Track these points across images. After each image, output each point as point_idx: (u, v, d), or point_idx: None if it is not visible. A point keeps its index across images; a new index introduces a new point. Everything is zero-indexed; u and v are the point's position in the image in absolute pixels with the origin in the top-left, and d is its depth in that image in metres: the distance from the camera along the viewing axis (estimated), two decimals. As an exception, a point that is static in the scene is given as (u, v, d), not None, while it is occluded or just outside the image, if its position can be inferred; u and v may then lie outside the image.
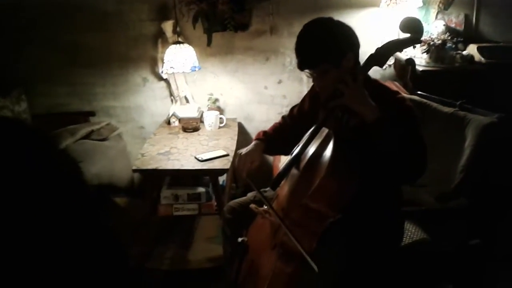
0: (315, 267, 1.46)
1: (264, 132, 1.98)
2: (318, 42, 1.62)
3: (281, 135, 1.97)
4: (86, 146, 2.79)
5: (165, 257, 2.62)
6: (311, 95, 1.94)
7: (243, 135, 3.23)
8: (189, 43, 2.94)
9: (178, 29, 2.91)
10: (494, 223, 2.25)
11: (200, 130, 2.97)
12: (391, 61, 3.06)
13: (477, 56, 2.70)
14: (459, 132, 2.20)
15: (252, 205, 1.83)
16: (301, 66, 1.66)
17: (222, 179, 3.03)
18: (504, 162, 2.13)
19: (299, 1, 2.98)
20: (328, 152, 1.62)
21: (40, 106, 3.19)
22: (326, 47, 1.61)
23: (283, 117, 2.08)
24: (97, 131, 2.93)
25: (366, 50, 1.65)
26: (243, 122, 3.26)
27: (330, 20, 1.68)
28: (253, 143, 1.93)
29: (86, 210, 0.56)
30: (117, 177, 2.92)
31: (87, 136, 2.87)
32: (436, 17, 2.98)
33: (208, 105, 3.19)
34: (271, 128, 2.03)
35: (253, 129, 3.27)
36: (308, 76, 1.71)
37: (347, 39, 1.65)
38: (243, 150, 1.89)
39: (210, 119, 2.96)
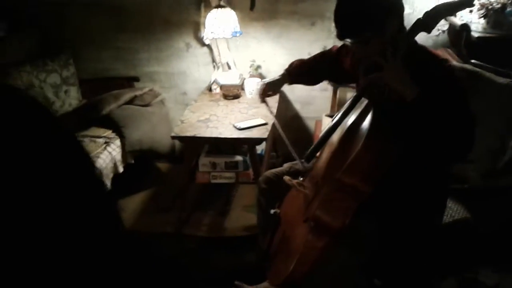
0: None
1: (298, 64, 2.07)
2: (359, 8, 1.50)
3: (317, 67, 2.04)
4: (129, 112, 2.83)
5: (202, 223, 2.66)
6: (353, 58, 1.84)
7: (285, 103, 3.17)
8: (232, 7, 2.87)
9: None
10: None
11: (240, 98, 2.93)
12: (445, 26, 2.86)
13: (542, 22, 2.46)
14: (513, 104, 2.03)
15: (286, 177, 1.81)
16: (341, 35, 1.55)
17: (261, 148, 3.01)
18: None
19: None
20: (366, 124, 1.57)
21: (87, 70, 3.26)
22: (367, 13, 1.49)
23: (331, 49, 2.05)
24: (140, 96, 2.97)
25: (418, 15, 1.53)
26: (285, 90, 3.18)
27: None
28: (281, 74, 2.06)
29: (87, 188, 0.54)
30: (159, 143, 2.96)
31: (131, 102, 2.90)
32: (498, -22, 2.72)
33: (250, 72, 3.14)
34: (310, 59, 2.09)
35: (296, 97, 3.21)
36: (350, 45, 1.61)
37: (390, 4, 1.52)
38: (268, 79, 2.07)
39: (251, 86, 2.92)
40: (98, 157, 2.50)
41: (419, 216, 1.65)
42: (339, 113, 1.69)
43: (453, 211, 1.86)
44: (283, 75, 2.05)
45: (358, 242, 1.59)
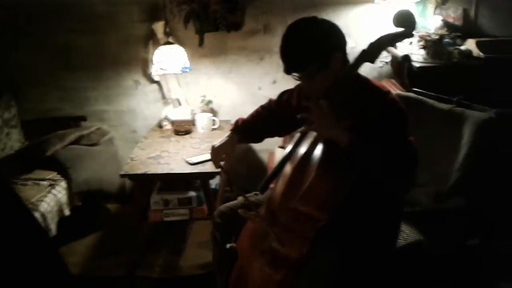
0: None
1: (242, 122, 1.95)
2: (303, 44, 1.53)
3: (262, 122, 1.96)
4: (75, 152, 2.72)
5: (156, 264, 2.55)
6: (301, 91, 1.86)
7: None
8: (181, 44, 2.89)
9: (168, 29, 2.84)
10: (492, 222, 2.16)
11: (192, 133, 2.90)
12: (388, 58, 2.99)
13: (476, 51, 2.62)
14: (457, 129, 2.12)
15: (241, 210, 1.77)
16: (288, 70, 1.56)
17: (215, 182, 2.97)
18: (504, 159, 2.05)
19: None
20: (318, 153, 1.56)
21: (30, 111, 3.15)
22: (311, 48, 1.52)
23: (269, 101, 2.02)
24: (87, 136, 2.87)
25: (362, 48, 1.57)
26: (238, 124, 3.18)
27: (314, 19, 1.59)
28: (227, 134, 1.92)
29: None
30: (108, 182, 2.86)
31: (77, 142, 2.80)
32: (433, 12, 2.90)
33: (201, 107, 3.13)
34: (252, 114, 1.99)
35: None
36: (296, 79, 1.62)
37: (333, 38, 1.56)
38: (217, 143, 1.90)
39: (203, 121, 2.90)
40: (41, 200, 2.37)
41: (376, 241, 1.65)
42: (291, 143, 1.69)
43: (407, 234, 1.88)
44: (231, 135, 1.93)
45: (318, 271, 1.56)
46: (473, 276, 2.23)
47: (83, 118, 3.19)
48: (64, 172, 2.60)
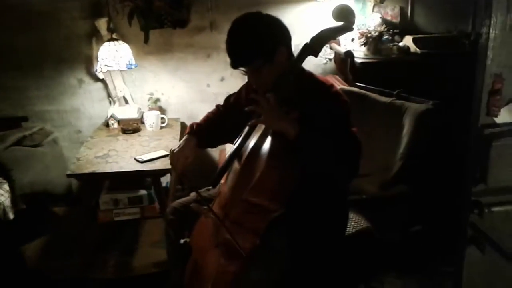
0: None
1: (197, 125, 1.90)
2: (249, 38, 1.56)
3: (215, 126, 1.92)
4: (18, 153, 2.61)
5: (109, 265, 2.50)
6: (248, 87, 1.89)
7: (186, 134, 3.15)
8: (126, 41, 2.84)
9: (111, 26, 2.78)
10: (434, 209, 2.29)
11: (141, 131, 2.87)
12: (331, 55, 3.09)
13: (413, 47, 2.76)
14: (397, 120, 2.23)
15: (193, 205, 1.78)
16: (234, 64, 1.59)
17: (166, 180, 2.95)
18: (442, 147, 2.18)
19: (238, -4, 2.94)
20: (267, 145, 1.59)
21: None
22: (257, 42, 1.55)
23: (217, 106, 2.03)
24: (29, 136, 2.76)
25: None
26: (186, 122, 3.18)
27: (259, 14, 1.63)
28: (184, 138, 1.86)
29: None
30: (54, 184, 2.76)
31: (19, 143, 2.69)
32: (372, 10, 3.02)
33: (149, 105, 3.09)
34: (204, 119, 1.96)
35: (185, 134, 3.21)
36: (243, 74, 1.65)
37: (278, 33, 1.60)
38: (176, 147, 1.81)
39: (151, 119, 2.87)
40: (-17, 204, 2.26)
41: (325, 229, 1.71)
42: (240, 137, 1.72)
43: (355, 222, 1.96)
44: (188, 138, 1.85)
45: (269, 260, 1.60)
46: (418, 261, 2.35)
47: (25, 119, 3.06)
48: (7, 174, 2.50)
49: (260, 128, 1.69)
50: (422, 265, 2.38)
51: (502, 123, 1.18)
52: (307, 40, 1.63)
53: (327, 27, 1.64)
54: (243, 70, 1.61)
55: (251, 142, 1.69)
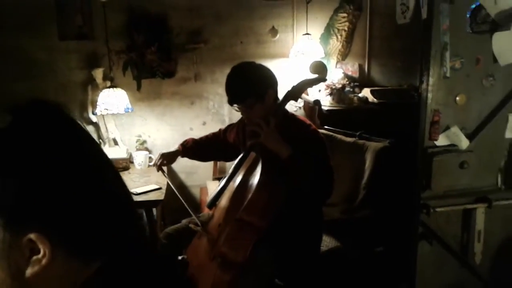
0: None
1: (191, 140, 2.40)
2: (244, 80, 1.93)
3: (206, 143, 2.40)
4: None
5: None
6: (239, 128, 2.23)
7: (171, 173, 3.43)
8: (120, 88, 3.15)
9: (111, 74, 3.11)
10: (393, 232, 2.63)
11: (130, 169, 3.13)
12: (301, 104, 3.52)
13: (371, 97, 3.21)
14: (360, 156, 2.62)
15: (191, 225, 2.05)
16: (231, 101, 1.94)
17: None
18: (398, 177, 2.56)
19: (220, 52, 3.35)
20: (257, 171, 1.89)
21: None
22: (251, 84, 1.92)
23: (219, 130, 2.43)
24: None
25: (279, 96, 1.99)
26: (170, 162, 3.46)
27: (253, 62, 2.02)
28: (176, 147, 2.37)
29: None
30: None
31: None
32: (336, 66, 3.51)
33: (136, 146, 3.37)
34: (203, 137, 2.44)
35: (181, 168, 3.49)
36: (237, 110, 2.00)
37: (268, 78, 1.98)
38: (164, 151, 2.35)
39: (140, 158, 3.14)
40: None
41: (304, 244, 2.02)
42: (232, 167, 2.03)
43: (327, 242, 2.28)
44: (177, 149, 2.36)
45: (258, 269, 1.86)
46: (381, 279, 2.65)
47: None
48: None
49: (250, 159, 2.02)
50: (384, 282, 2.66)
51: (440, 145, 1.59)
52: (281, 90, 2.00)
53: (306, 78, 2.03)
54: (237, 107, 1.95)
55: (242, 171, 2.01)
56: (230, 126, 2.38)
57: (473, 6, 1.67)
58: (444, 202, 1.73)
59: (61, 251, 0.56)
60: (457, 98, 1.76)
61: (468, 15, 1.70)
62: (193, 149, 2.38)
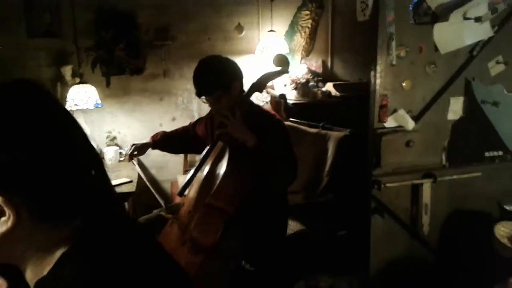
0: None
1: (162, 132, 2.47)
2: (212, 73, 2.00)
3: (176, 135, 2.47)
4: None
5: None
6: (207, 120, 2.32)
7: (142, 169, 3.50)
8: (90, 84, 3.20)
9: (80, 71, 3.16)
10: (355, 216, 2.78)
11: (101, 165, 3.18)
12: (267, 98, 3.65)
13: (333, 91, 3.37)
14: (323, 146, 2.77)
15: (162, 213, 2.14)
16: (199, 94, 2.01)
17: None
18: (358, 163, 2.72)
19: (188, 49, 3.44)
20: (225, 159, 1.98)
21: None
22: (218, 77, 1.99)
23: (190, 123, 2.51)
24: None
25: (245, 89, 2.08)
26: (140, 157, 3.53)
27: (219, 56, 2.10)
28: (147, 140, 2.44)
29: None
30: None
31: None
32: (300, 62, 3.65)
33: (106, 142, 3.43)
34: (173, 130, 2.51)
35: (151, 163, 3.56)
36: (204, 102, 2.06)
37: (234, 70, 2.05)
38: (136, 143, 2.41)
39: (110, 153, 3.20)
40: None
41: (271, 229, 2.13)
42: (201, 156, 2.12)
43: (293, 226, 2.41)
44: (148, 142, 2.42)
45: (227, 252, 1.96)
46: (343, 260, 2.79)
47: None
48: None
49: (218, 148, 2.11)
50: (349, 266, 2.81)
51: (388, 126, 1.74)
52: (247, 84, 2.09)
53: (269, 71, 2.14)
54: (206, 99, 2.03)
55: (211, 159, 2.10)
56: (200, 119, 2.47)
57: (415, -1, 1.85)
58: (394, 179, 1.90)
59: (26, 213, 0.60)
60: (403, 84, 1.93)
61: (411, 8, 1.87)
62: (163, 141, 2.44)
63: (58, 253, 0.63)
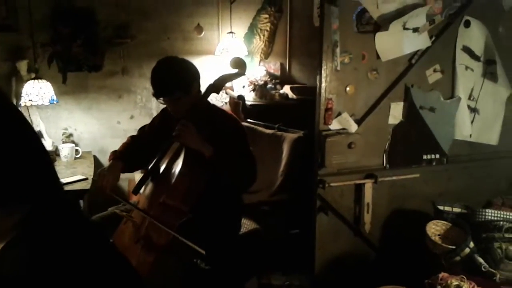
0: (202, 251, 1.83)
1: (119, 152, 2.21)
2: (172, 74, 2.00)
3: (135, 152, 2.21)
4: None
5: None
6: (163, 115, 2.30)
7: (98, 167, 3.47)
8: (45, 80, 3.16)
9: (36, 66, 3.12)
10: (307, 215, 2.87)
11: (56, 162, 3.14)
12: (226, 99, 3.70)
13: (290, 94, 3.46)
14: (278, 147, 2.85)
15: (117, 211, 2.14)
16: (159, 95, 2.00)
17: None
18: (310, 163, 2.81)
19: (147, 47, 3.45)
20: (181, 158, 2.00)
21: None
22: (177, 78, 1.99)
23: (131, 137, 2.35)
24: None
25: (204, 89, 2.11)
26: (97, 155, 3.51)
27: (177, 57, 2.12)
28: (110, 162, 2.14)
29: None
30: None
31: None
32: (259, 64, 3.73)
33: (62, 139, 3.39)
34: (122, 147, 2.26)
35: (106, 161, 3.54)
36: (162, 103, 2.06)
37: (193, 71, 2.07)
38: (105, 169, 2.10)
39: (66, 150, 3.17)
40: None
41: (225, 228, 2.17)
42: (157, 155, 2.11)
43: (247, 224, 2.47)
44: (114, 163, 2.11)
45: (181, 250, 1.98)
46: (296, 260, 2.86)
47: None
48: None
49: (174, 147, 2.12)
50: (301, 263, 2.89)
51: (333, 129, 1.83)
52: (206, 84, 2.12)
53: (226, 73, 2.19)
54: (164, 100, 2.02)
55: (167, 158, 2.10)
56: (144, 126, 2.39)
57: (358, 9, 1.96)
58: (338, 178, 2.02)
59: None
60: (347, 89, 2.06)
61: (354, 17, 1.98)
62: (130, 158, 2.17)
63: (3, 243, 0.64)
